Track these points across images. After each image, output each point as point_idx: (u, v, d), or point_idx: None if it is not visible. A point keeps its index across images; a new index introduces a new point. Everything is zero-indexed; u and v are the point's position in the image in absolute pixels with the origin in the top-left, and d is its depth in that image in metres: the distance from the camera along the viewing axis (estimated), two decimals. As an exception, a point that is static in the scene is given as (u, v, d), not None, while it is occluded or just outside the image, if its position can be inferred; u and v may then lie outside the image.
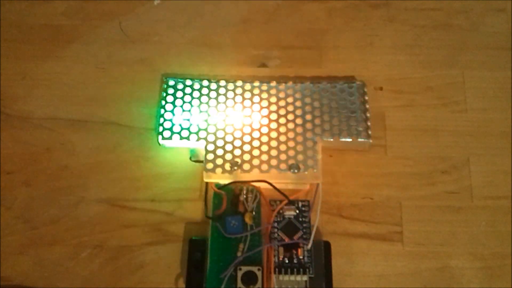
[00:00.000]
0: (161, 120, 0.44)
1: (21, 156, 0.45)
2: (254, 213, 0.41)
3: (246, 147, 0.43)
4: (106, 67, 0.48)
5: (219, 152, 0.42)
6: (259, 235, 0.40)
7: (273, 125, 0.44)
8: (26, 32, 0.50)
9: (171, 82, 0.46)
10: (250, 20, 0.51)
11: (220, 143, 0.43)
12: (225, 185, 0.41)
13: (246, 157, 0.42)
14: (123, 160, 0.45)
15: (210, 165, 0.42)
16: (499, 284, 0.41)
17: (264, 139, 0.43)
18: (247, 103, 0.45)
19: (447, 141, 0.45)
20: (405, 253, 0.42)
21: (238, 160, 0.42)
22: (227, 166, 0.42)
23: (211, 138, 0.43)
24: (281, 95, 0.45)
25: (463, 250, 0.42)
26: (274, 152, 0.42)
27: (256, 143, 0.43)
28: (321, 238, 0.41)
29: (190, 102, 0.45)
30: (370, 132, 0.44)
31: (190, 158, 0.44)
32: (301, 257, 0.39)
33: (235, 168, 0.42)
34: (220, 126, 0.44)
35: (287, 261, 0.39)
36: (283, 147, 0.43)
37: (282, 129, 0.43)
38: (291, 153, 0.42)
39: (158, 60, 0.49)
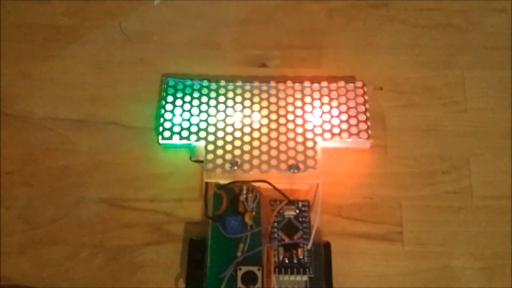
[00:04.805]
0: (161, 120, 0.44)
1: (21, 156, 0.45)
2: (254, 213, 0.41)
3: (246, 147, 0.43)
4: (106, 67, 0.48)
5: (219, 152, 0.42)
6: (259, 235, 0.40)
7: (273, 125, 0.44)
8: (26, 32, 0.50)
9: (171, 82, 0.46)
10: (250, 20, 0.51)
11: (220, 143, 0.43)
12: (225, 185, 0.41)
13: (246, 157, 0.42)
14: (123, 160, 0.45)
15: (210, 165, 0.42)
16: (499, 284, 0.40)
17: (264, 139, 0.43)
18: (247, 103, 0.45)
19: (447, 141, 0.45)
20: (405, 253, 0.42)
21: (238, 160, 0.42)
22: (227, 166, 0.42)
23: (211, 138, 0.43)
24: (281, 95, 0.45)
25: (463, 250, 0.42)
26: (274, 152, 0.42)
27: (256, 143, 0.43)
28: (321, 238, 0.41)
29: (190, 102, 0.45)
30: (370, 132, 0.44)
31: (190, 158, 0.44)
32: (301, 257, 0.39)
33: (235, 168, 0.42)
34: (220, 126, 0.44)
35: (287, 261, 0.39)
36: (283, 147, 0.43)
37: (282, 129, 0.43)
38: (291, 153, 0.42)
39: (158, 60, 0.49)
